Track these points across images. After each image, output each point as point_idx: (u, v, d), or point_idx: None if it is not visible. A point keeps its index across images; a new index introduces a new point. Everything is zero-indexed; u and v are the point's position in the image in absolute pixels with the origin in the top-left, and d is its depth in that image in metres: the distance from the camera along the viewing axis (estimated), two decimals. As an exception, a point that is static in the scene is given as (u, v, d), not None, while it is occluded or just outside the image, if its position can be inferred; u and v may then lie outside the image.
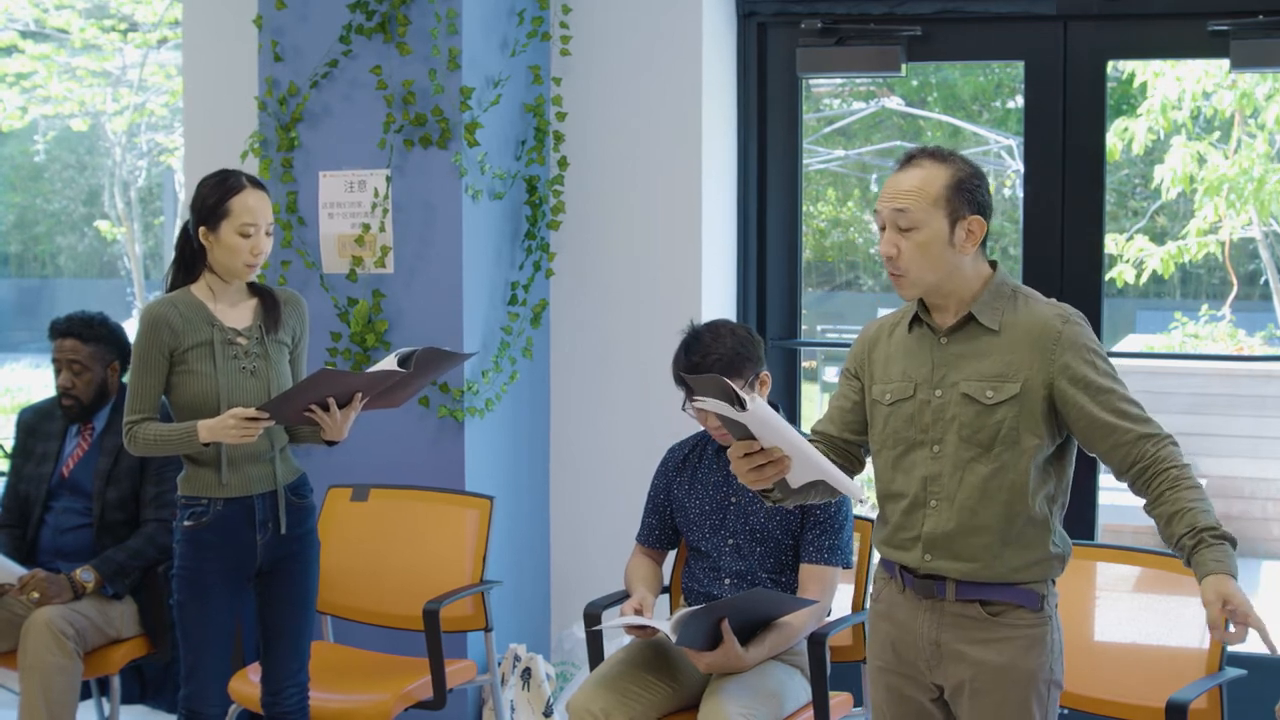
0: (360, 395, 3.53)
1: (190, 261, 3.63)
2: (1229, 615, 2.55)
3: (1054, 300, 2.89)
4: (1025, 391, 2.76)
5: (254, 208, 3.55)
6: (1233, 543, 2.63)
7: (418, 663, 4.11)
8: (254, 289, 3.68)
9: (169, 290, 3.64)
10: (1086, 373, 2.75)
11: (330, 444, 3.61)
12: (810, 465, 2.75)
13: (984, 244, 2.85)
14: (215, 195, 3.55)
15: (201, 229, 3.57)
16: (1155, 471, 2.71)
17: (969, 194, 2.79)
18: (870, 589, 3.05)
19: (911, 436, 2.87)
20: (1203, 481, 2.74)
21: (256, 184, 3.60)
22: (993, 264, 2.88)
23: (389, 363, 3.51)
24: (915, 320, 2.91)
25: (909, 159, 2.83)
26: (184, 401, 3.56)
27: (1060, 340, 2.77)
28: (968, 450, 2.80)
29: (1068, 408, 2.76)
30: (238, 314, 3.63)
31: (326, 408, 3.49)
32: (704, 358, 3.62)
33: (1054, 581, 2.86)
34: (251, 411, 3.44)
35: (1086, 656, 3.58)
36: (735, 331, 3.69)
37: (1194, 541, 2.62)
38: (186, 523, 3.58)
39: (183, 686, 3.64)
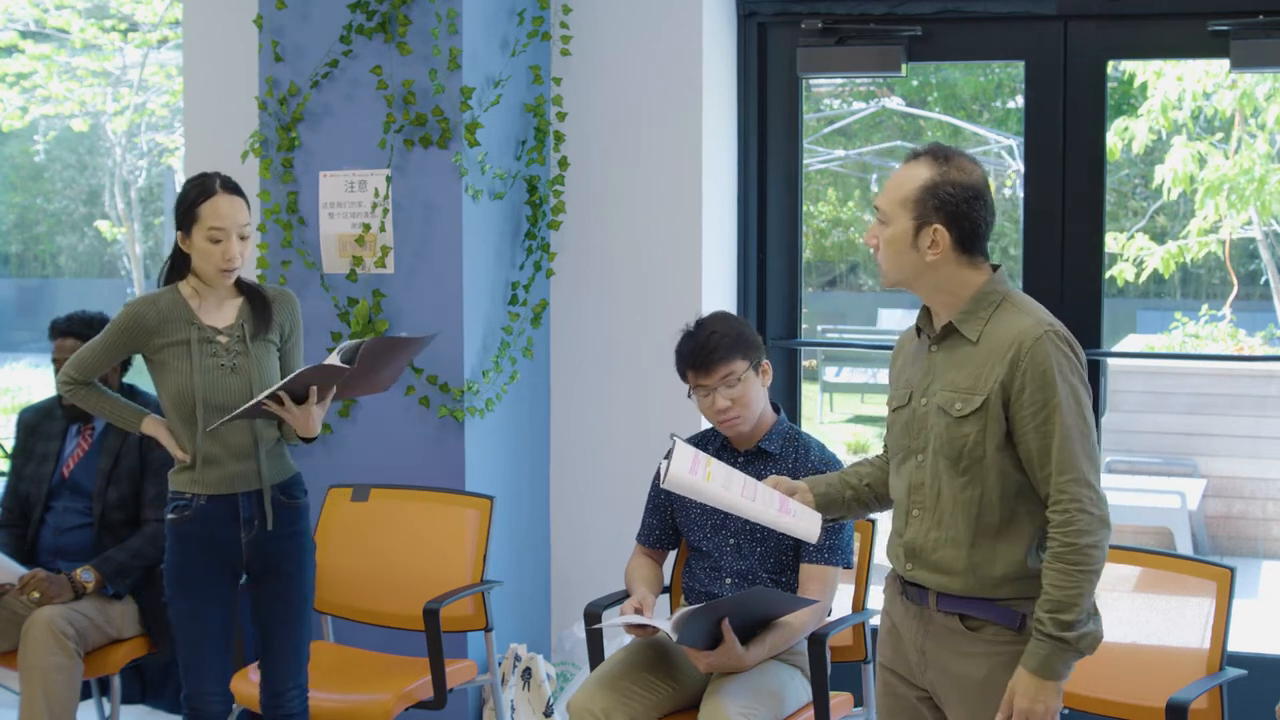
0: (317, 390, 3.47)
1: (179, 262, 3.64)
2: (1004, 711, 2.68)
3: (1041, 311, 2.76)
4: (988, 406, 2.70)
5: (224, 212, 3.52)
6: (1060, 640, 2.64)
7: (418, 663, 4.11)
8: (241, 287, 3.67)
9: (161, 286, 3.66)
10: (1037, 398, 2.66)
11: (307, 440, 3.60)
12: (759, 517, 2.91)
13: (975, 253, 2.76)
14: (189, 200, 3.55)
15: (179, 234, 3.58)
16: (1050, 533, 2.68)
17: (940, 201, 2.72)
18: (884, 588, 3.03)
19: (906, 444, 2.86)
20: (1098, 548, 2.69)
21: (231, 188, 3.56)
22: (995, 267, 2.80)
23: (333, 358, 3.45)
24: (919, 327, 2.89)
25: (911, 155, 2.81)
26: (166, 396, 3.60)
27: (1024, 356, 2.67)
28: (941, 462, 2.77)
29: (1014, 430, 2.69)
30: (221, 313, 3.63)
31: (282, 401, 3.45)
32: (709, 336, 3.64)
33: None
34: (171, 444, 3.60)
35: (1087, 656, 3.57)
36: (737, 317, 3.76)
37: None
38: (170, 516, 3.62)
39: (183, 685, 3.65)
